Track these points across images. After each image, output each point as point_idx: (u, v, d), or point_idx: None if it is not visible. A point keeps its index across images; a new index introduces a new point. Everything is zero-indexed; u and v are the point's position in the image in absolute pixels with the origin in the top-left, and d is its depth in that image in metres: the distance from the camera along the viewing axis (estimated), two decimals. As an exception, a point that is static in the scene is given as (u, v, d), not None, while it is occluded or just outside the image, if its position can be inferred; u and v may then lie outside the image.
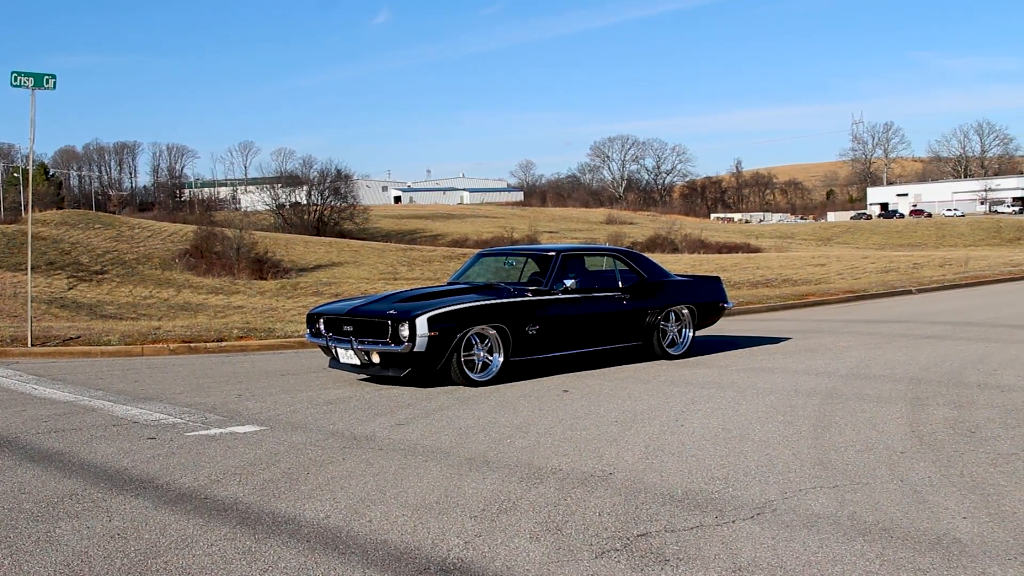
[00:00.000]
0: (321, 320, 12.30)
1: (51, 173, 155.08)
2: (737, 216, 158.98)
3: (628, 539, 5.81)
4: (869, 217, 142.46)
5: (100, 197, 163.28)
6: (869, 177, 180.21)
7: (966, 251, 62.46)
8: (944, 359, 13.46)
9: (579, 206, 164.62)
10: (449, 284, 13.79)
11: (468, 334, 11.63)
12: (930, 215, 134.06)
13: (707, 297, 14.94)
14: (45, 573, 5.34)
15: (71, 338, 17.16)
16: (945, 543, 5.65)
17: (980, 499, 6.56)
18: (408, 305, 11.73)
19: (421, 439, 8.78)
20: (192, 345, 16.43)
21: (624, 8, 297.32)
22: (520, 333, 12.08)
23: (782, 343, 16.05)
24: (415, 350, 11.17)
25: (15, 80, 16.46)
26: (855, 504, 6.47)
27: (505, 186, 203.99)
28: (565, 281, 12.72)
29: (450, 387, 11.68)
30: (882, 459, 7.75)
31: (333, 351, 12.15)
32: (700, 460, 7.80)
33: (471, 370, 11.77)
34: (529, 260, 13.84)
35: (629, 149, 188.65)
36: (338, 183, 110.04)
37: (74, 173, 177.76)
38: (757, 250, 75.66)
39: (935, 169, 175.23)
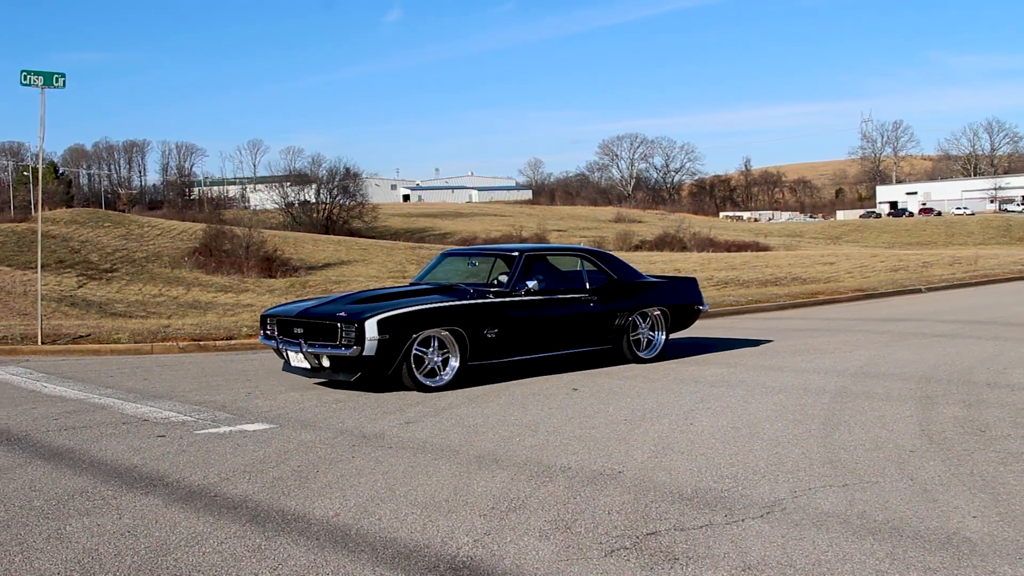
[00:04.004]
0: (273, 322, 11.87)
1: (61, 172, 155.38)
2: (746, 215, 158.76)
3: (637, 537, 5.81)
4: (878, 216, 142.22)
5: (110, 195, 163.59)
6: (878, 175, 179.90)
7: (976, 250, 62.36)
8: (954, 358, 13.43)
9: (588, 204, 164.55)
10: (412, 284, 13.42)
11: (421, 337, 11.18)
12: (939, 214, 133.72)
13: (681, 299, 14.40)
14: (56, 570, 5.36)
15: (81, 336, 17.20)
16: (955, 542, 5.65)
17: (990, 498, 6.55)
18: (359, 307, 11.33)
19: (430, 437, 8.79)
20: (201, 343, 16.46)
21: (633, 7, 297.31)
22: (478, 336, 11.63)
23: (791, 342, 16.02)
24: (364, 354, 10.75)
25: (25, 79, 16.49)
26: (865, 503, 6.47)
27: (514, 184, 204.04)
28: (528, 282, 12.27)
29: (459, 388, 11.68)
30: (892, 458, 7.74)
31: (284, 354, 11.75)
32: (709, 459, 7.80)
33: (425, 375, 11.30)
34: (492, 260, 13.41)
35: (638, 147, 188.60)
36: (347, 181, 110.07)
37: (84, 172, 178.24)
38: (766, 248, 75.55)
39: (944, 167, 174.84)
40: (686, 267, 46.58)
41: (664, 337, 13.95)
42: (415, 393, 11.20)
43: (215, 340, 16.73)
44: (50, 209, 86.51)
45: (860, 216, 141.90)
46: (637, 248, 79.67)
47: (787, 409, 9.90)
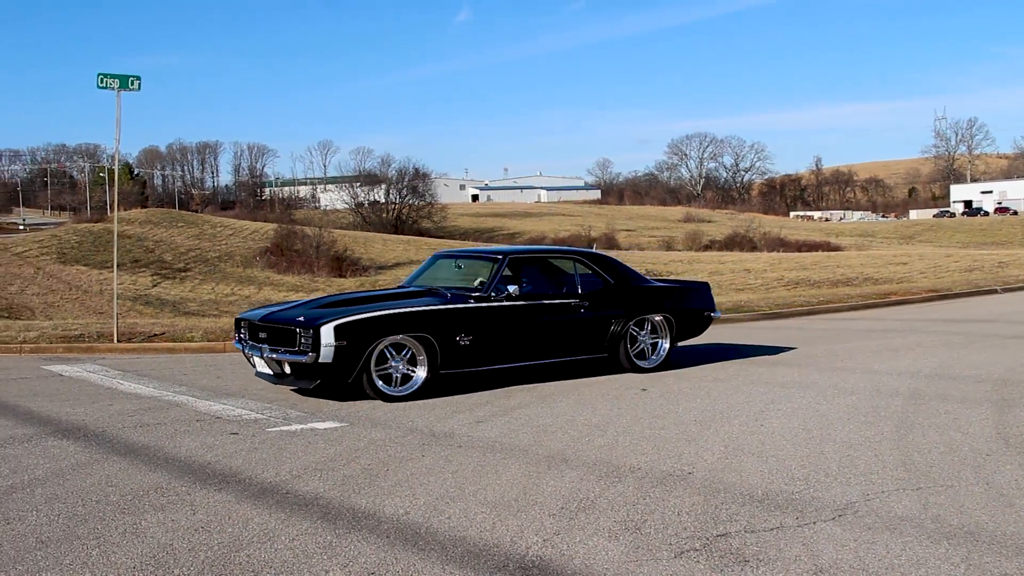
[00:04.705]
0: (245, 326, 11.45)
1: (136, 173, 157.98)
2: (817, 214, 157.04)
3: (707, 539, 5.78)
4: (952, 215, 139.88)
5: (183, 196, 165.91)
6: (952, 174, 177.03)
7: (1054, 250, 61.12)
8: (1031, 360, 13.20)
9: (656, 204, 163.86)
10: (398, 288, 12.92)
11: (382, 344, 10.64)
12: (1016, 212, 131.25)
13: (688, 305, 13.52)
14: (132, 564, 5.45)
15: (155, 334, 17.47)
16: (1033, 547, 5.55)
17: (1069, 503, 6.43)
18: (320, 312, 10.88)
19: (500, 436, 8.81)
20: (273, 342, 16.60)
21: (703, 6, 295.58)
22: (449, 344, 11.03)
23: (863, 343, 15.84)
24: (320, 361, 10.27)
25: (101, 82, 16.78)
26: (939, 507, 6.38)
27: (582, 184, 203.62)
28: (509, 287, 11.60)
29: (528, 384, 11.70)
30: (967, 461, 7.63)
31: (251, 360, 11.40)
32: (780, 460, 7.74)
33: (388, 383, 10.80)
34: (476, 263, 12.64)
35: (707, 147, 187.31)
36: (416, 181, 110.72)
37: (158, 172, 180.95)
38: (837, 248, 74.63)
39: (1021, 166, 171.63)
40: (756, 267, 46.20)
41: (668, 345, 13.08)
42: (485, 393, 11.23)
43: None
44: (125, 210, 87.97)
45: (934, 215, 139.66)
46: (706, 248, 79.17)
47: (859, 411, 9.79)
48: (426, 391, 10.94)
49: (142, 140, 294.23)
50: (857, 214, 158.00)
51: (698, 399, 10.67)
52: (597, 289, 12.63)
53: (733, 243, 79.76)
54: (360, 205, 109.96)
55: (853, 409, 9.90)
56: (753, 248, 75.68)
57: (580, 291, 12.42)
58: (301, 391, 11.40)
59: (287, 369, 10.69)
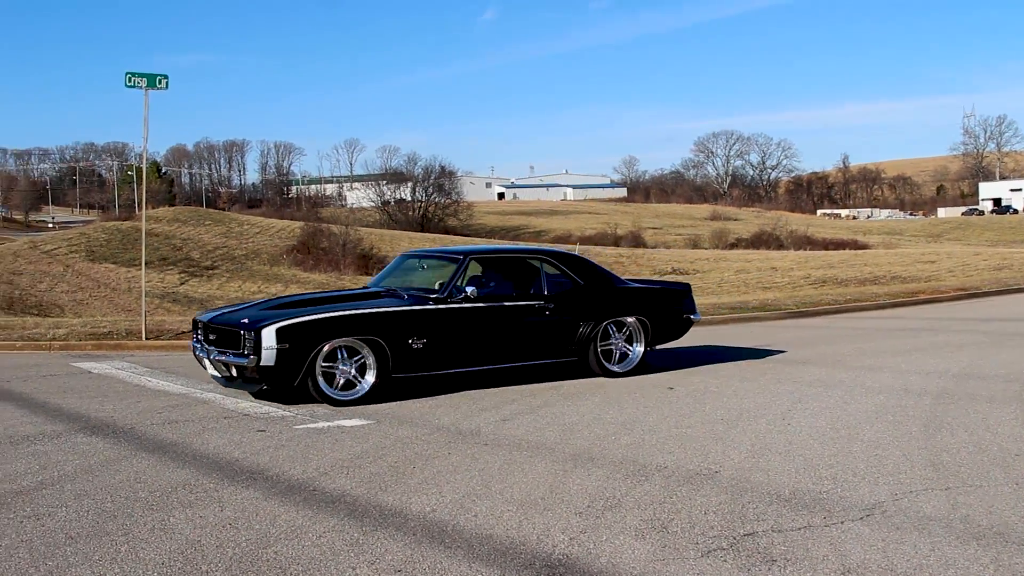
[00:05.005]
0: (199, 327, 11.24)
1: (163, 171, 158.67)
2: (844, 212, 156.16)
3: (735, 538, 5.77)
4: (981, 213, 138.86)
5: (210, 194, 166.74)
6: (981, 172, 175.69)
7: (1084, 248, 60.64)
8: (1061, 359, 13.10)
9: (683, 202, 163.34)
10: (361, 289, 12.78)
11: (329, 347, 10.35)
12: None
13: (665, 308, 12.97)
14: (160, 560, 5.48)
15: (183, 332, 17.55)
16: (1063, 548, 5.51)
17: (1100, 503, 6.39)
18: (266, 314, 10.64)
19: (526, 435, 8.81)
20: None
21: (728, 3, 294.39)
22: (402, 347, 10.68)
23: (890, 342, 15.77)
24: (262, 364, 10.03)
25: (129, 81, 16.88)
26: (968, 507, 6.35)
27: (608, 182, 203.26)
28: (467, 288, 11.23)
29: (554, 383, 11.70)
30: (996, 461, 7.58)
31: (201, 362, 11.21)
32: (807, 459, 7.71)
33: (335, 387, 10.48)
34: (439, 263, 12.26)
35: (734, 144, 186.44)
36: (442, 180, 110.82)
37: (185, 171, 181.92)
38: (865, 247, 74.27)
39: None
40: (782, 265, 46.05)
41: (642, 349, 12.59)
42: (512, 390, 11.24)
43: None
44: (153, 208, 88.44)
45: (962, 213, 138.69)
46: (733, 246, 78.91)
47: (887, 410, 9.74)
48: (375, 395, 10.60)
49: (170, 139, 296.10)
50: (885, 212, 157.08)
51: (724, 398, 10.65)
52: (565, 291, 12.19)
53: (760, 241, 79.49)
54: (386, 203, 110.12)
55: (881, 408, 9.85)
56: (780, 246, 75.39)
57: (546, 292, 12.01)
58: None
59: (234, 372, 10.48)
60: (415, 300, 11.19)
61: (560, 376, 12.22)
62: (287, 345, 10.07)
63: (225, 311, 11.32)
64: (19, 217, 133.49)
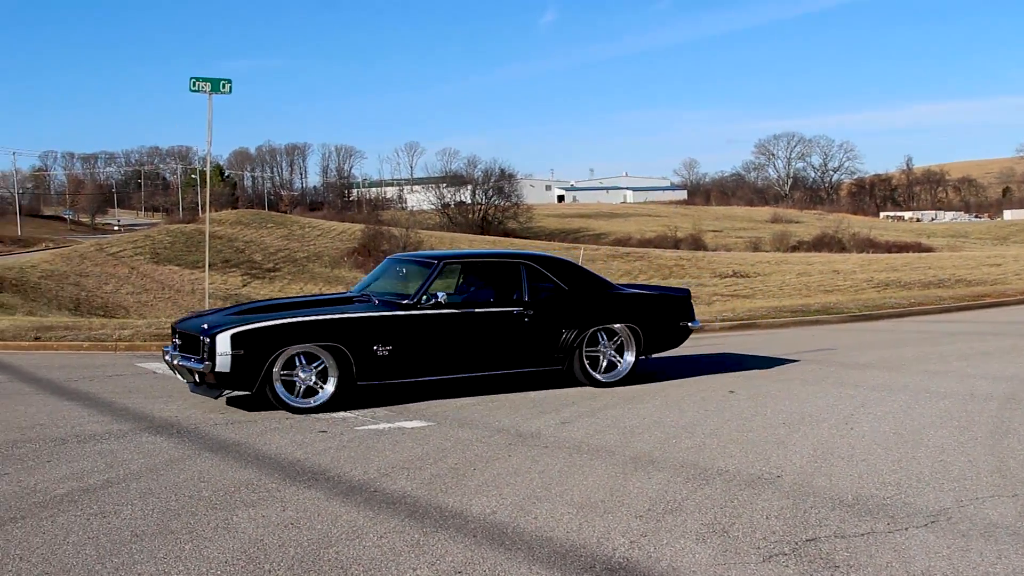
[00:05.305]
0: (175, 332, 11.14)
1: (226, 174, 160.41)
2: (907, 214, 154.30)
3: (796, 544, 5.72)
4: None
5: (272, 197, 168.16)
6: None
7: None
8: None
9: (743, 205, 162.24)
10: (339, 294, 12.67)
11: (287, 354, 10.17)
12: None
13: (659, 315, 12.38)
14: (223, 559, 5.55)
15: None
16: None
17: None
18: (229, 319, 10.51)
19: (586, 437, 8.80)
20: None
21: (790, 4, 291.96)
22: (366, 354, 10.43)
23: (956, 346, 15.56)
24: (216, 370, 9.89)
25: (193, 85, 17.12)
26: (1036, 514, 6.24)
27: (668, 185, 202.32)
28: (438, 294, 10.94)
29: (617, 387, 11.67)
30: (1065, 468, 7.45)
31: (171, 367, 10.99)
32: (871, 465, 7.63)
33: (295, 394, 10.29)
34: (415, 268, 11.84)
35: (795, 146, 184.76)
36: (502, 182, 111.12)
37: (248, 174, 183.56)
38: (929, 249, 73.34)
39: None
40: (844, 268, 45.58)
41: (633, 358, 12.02)
42: (572, 392, 11.23)
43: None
44: (216, 211, 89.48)
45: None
46: (794, 249, 78.30)
47: (952, 415, 9.61)
48: (336, 403, 10.39)
49: (233, 142, 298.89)
50: (949, 214, 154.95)
51: (786, 401, 10.56)
52: (548, 296, 11.77)
53: (821, 244, 78.82)
54: (446, 206, 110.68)
55: (946, 413, 9.72)
56: (842, 249, 74.69)
57: (527, 299, 11.57)
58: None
59: (197, 377, 10.32)
60: (386, 306, 10.96)
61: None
62: (242, 351, 9.92)
63: (189, 317, 11.21)
64: (86, 220, 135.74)
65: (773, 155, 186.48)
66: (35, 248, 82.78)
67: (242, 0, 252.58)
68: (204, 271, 20.04)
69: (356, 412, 10.17)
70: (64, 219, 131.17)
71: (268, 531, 6.06)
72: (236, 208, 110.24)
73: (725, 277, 48.72)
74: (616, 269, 61.40)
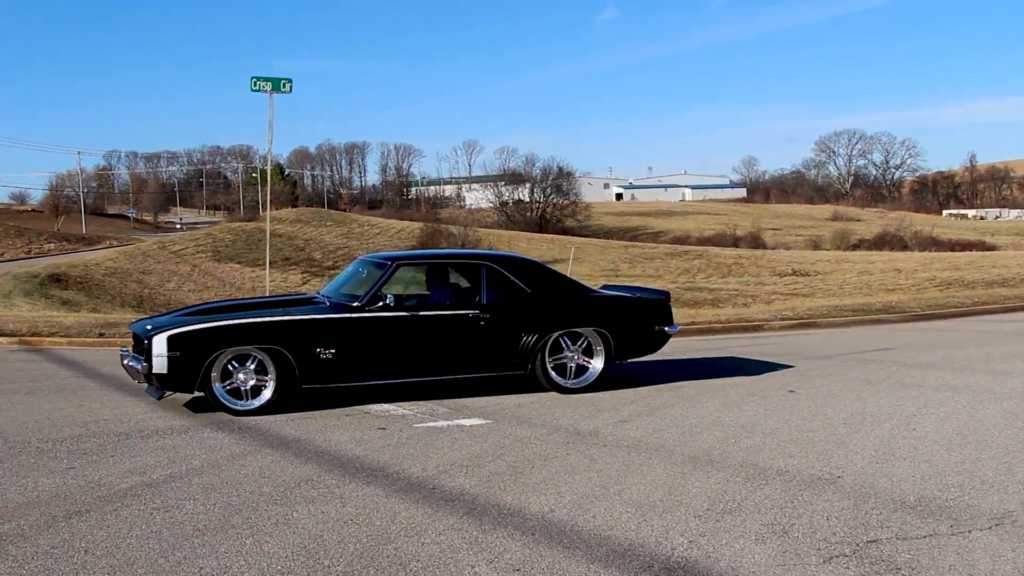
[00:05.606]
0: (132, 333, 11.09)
1: (286, 173, 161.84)
2: (971, 212, 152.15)
3: (857, 545, 5.67)
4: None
5: (332, 195, 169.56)
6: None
7: None
8: None
9: (803, 202, 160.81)
10: (298, 295, 12.61)
11: (227, 356, 10.10)
12: None
13: (632, 319, 11.83)
14: (284, 554, 5.60)
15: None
16: None
17: None
18: (173, 320, 10.50)
19: (644, 436, 8.78)
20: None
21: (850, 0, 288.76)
22: (309, 357, 10.28)
23: (1020, 346, 15.33)
24: (154, 371, 9.88)
25: (255, 85, 17.29)
26: (1104, 517, 6.14)
27: (727, 183, 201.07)
28: (387, 296, 10.68)
29: (672, 384, 11.64)
30: None
31: (124, 367, 10.94)
32: (934, 466, 7.54)
33: (235, 396, 10.20)
34: (372, 269, 11.51)
35: (856, 143, 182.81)
36: (560, 180, 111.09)
37: (307, 172, 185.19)
38: (993, 248, 72.31)
39: None
40: (906, 267, 45.09)
41: (602, 364, 11.55)
42: (629, 392, 11.21)
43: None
44: (277, 209, 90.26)
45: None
46: (855, 247, 77.54)
47: (1018, 416, 9.47)
48: (278, 406, 10.27)
49: (292, 141, 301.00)
50: (1014, 212, 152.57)
51: (847, 401, 10.47)
52: (508, 299, 11.37)
53: (883, 242, 77.99)
54: (504, 204, 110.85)
55: (1011, 414, 9.58)
56: (904, 247, 73.88)
57: (484, 301, 11.22)
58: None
59: (142, 378, 10.33)
60: (334, 308, 10.81)
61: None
62: (178, 353, 9.91)
63: (141, 319, 11.29)
64: (148, 218, 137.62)
65: (834, 152, 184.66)
66: (99, 246, 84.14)
67: (303, 1, 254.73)
68: (265, 269, 20.22)
69: (415, 409, 10.21)
70: (127, 217, 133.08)
71: (327, 527, 6.11)
72: (296, 206, 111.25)
73: (784, 275, 48.38)
74: (675, 268, 61.22)
